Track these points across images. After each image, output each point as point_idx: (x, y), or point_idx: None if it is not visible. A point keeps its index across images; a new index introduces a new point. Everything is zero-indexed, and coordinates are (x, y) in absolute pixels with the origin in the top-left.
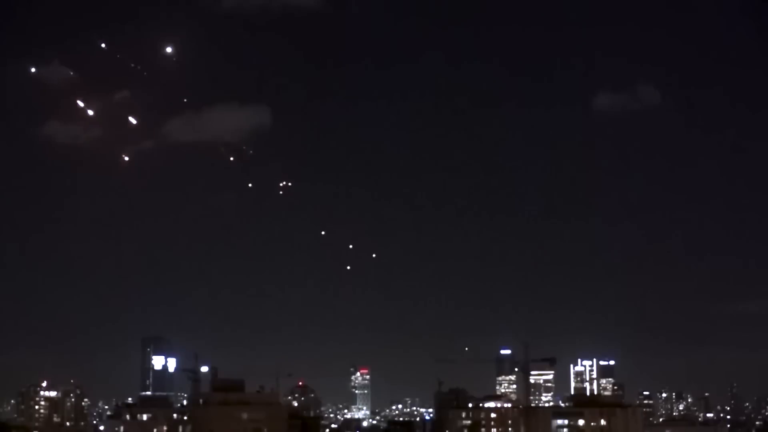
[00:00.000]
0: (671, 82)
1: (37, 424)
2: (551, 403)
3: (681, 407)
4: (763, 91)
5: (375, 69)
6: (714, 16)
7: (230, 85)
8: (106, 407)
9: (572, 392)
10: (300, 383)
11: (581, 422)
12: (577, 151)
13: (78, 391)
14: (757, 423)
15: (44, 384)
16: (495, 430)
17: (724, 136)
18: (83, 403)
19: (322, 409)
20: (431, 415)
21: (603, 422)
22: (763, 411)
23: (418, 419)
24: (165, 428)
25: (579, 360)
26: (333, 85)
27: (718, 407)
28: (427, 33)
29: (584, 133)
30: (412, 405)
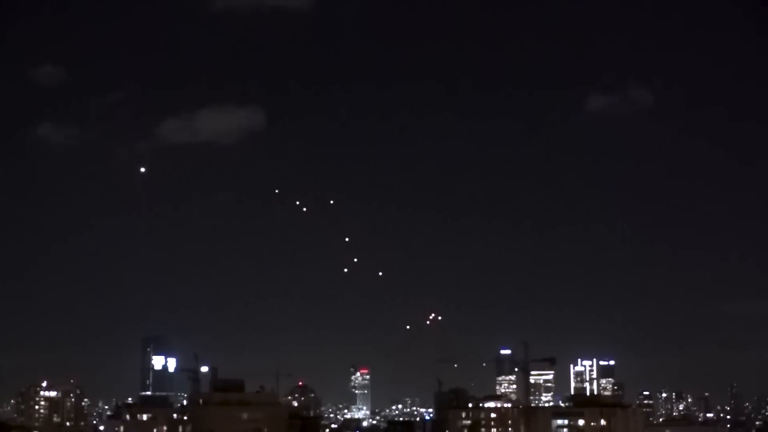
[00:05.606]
0: (664, 84)
1: (37, 424)
2: (551, 403)
3: (681, 407)
4: (760, 90)
5: (371, 70)
6: (710, 17)
7: (226, 86)
8: (106, 407)
9: (572, 392)
10: (300, 383)
11: (581, 422)
12: (576, 152)
13: (78, 391)
14: (757, 423)
15: (44, 384)
16: (495, 430)
17: (721, 136)
18: (83, 403)
19: (322, 409)
20: (431, 415)
21: (603, 422)
22: (763, 411)
23: (418, 419)
24: (165, 428)
25: (579, 360)
26: (329, 85)
27: (718, 407)
28: (423, 35)
29: (582, 134)
30: (412, 405)
